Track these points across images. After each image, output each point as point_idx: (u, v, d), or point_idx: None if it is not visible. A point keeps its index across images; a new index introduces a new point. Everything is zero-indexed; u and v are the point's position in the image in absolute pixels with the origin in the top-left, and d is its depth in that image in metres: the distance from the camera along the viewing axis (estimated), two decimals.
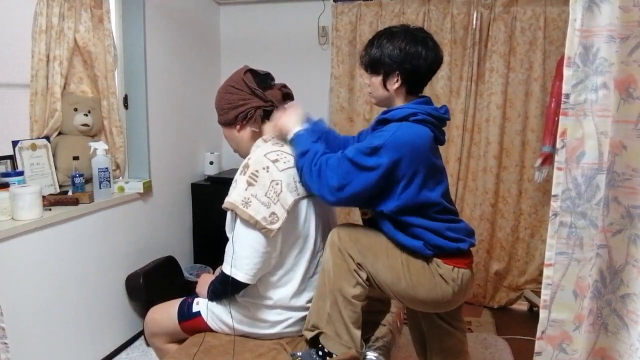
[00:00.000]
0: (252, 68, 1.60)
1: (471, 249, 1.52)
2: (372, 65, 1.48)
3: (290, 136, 1.51)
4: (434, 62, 1.46)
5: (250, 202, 1.41)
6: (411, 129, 1.40)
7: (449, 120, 1.55)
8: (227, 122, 1.60)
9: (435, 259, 1.44)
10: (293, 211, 1.47)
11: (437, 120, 1.47)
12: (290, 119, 1.53)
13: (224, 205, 1.46)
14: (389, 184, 1.38)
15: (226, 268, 1.47)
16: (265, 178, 1.43)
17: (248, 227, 1.42)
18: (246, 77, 1.55)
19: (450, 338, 1.66)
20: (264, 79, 1.59)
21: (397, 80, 1.46)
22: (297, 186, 1.49)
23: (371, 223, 1.53)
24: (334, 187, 1.37)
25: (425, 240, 1.42)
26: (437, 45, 1.47)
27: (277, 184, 1.44)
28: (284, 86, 1.63)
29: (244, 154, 1.62)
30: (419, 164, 1.39)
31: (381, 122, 1.47)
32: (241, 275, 1.44)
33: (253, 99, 1.55)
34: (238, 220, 1.44)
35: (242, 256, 1.44)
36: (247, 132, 1.58)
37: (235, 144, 1.65)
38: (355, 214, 3.24)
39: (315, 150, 1.44)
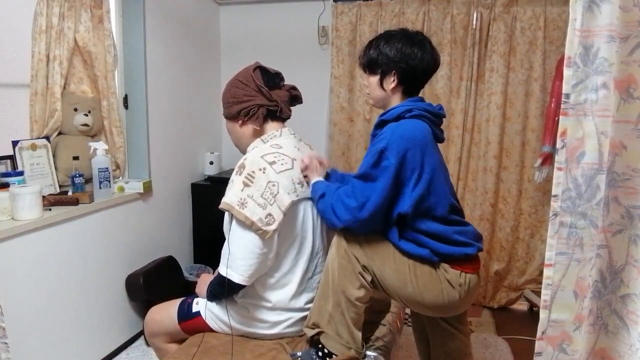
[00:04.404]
0: (263, 66, 1.59)
1: (478, 253, 1.52)
2: (370, 65, 1.52)
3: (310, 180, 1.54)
4: (430, 63, 1.49)
5: (247, 203, 1.41)
6: (410, 124, 1.42)
7: (444, 117, 1.56)
8: (230, 116, 1.60)
9: (442, 263, 1.43)
10: (290, 213, 1.47)
11: (434, 116, 1.49)
12: (315, 171, 1.56)
13: (220, 206, 1.46)
14: (401, 183, 1.38)
15: (222, 269, 1.47)
16: (262, 179, 1.43)
17: (244, 228, 1.42)
18: (255, 74, 1.55)
19: (454, 340, 1.66)
20: (272, 78, 1.58)
21: (394, 80, 1.48)
22: (296, 188, 1.48)
23: None
24: (355, 209, 1.36)
25: (431, 248, 1.41)
26: (434, 48, 1.51)
27: (273, 185, 1.44)
28: (293, 88, 1.63)
29: (243, 150, 1.63)
30: (425, 156, 1.39)
31: (379, 125, 1.48)
32: (237, 277, 1.44)
33: (258, 96, 1.54)
34: (234, 221, 1.44)
35: (237, 257, 1.43)
36: (248, 129, 1.58)
37: (235, 138, 1.65)
38: None
39: (331, 189, 1.46)
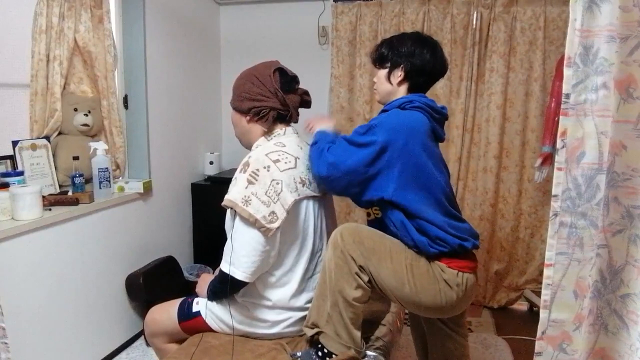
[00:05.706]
0: (283, 67, 1.56)
1: (475, 252, 1.52)
2: (380, 59, 1.60)
3: (314, 131, 1.63)
4: (437, 65, 1.55)
5: (250, 200, 1.41)
6: (407, 113, 1.48)
7: (447, 119, 1.60)
8: (239, 109, 1.59)
9: (439, 262, 1.43)
10: (292, 211, 1.47)
11: (435, 113, 1.51)
12: (321, 122, 1.67)
13: (224, 203, 1.45)
14: (384, 165, 1.41)
15: (225, 266, 1.47)
16: (266, 177, 1.43)
17: (247, 225, 1.42)
18: (274, 76, 1.53)
19: (451, 342, 1.66)
20: (289, 82, 1.57)
21: (401, 74, 1.55)
22: (297, 187, 1.49)
23: (376, 224, 1.53)
24: (330, 164, 1.44)
25: (429, 235, 1.42)
26: (444, 54, 1.58)
27: (277, 183, 1.44)
28: (305, 93, 1.63)
29: (245, 144, 1.64)
30: (416, 145, 1.41)
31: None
32: (239, 274, 1.44)
33: (272, 98, 1.53)
34: (237, 218, 1.44)
35: (240, 254, 1.44)
36: (255, 127, 1.58)
37: (239, 132, 1.64)
38: (357, 215, 3.24)
39: (324, 139, 1.54)
